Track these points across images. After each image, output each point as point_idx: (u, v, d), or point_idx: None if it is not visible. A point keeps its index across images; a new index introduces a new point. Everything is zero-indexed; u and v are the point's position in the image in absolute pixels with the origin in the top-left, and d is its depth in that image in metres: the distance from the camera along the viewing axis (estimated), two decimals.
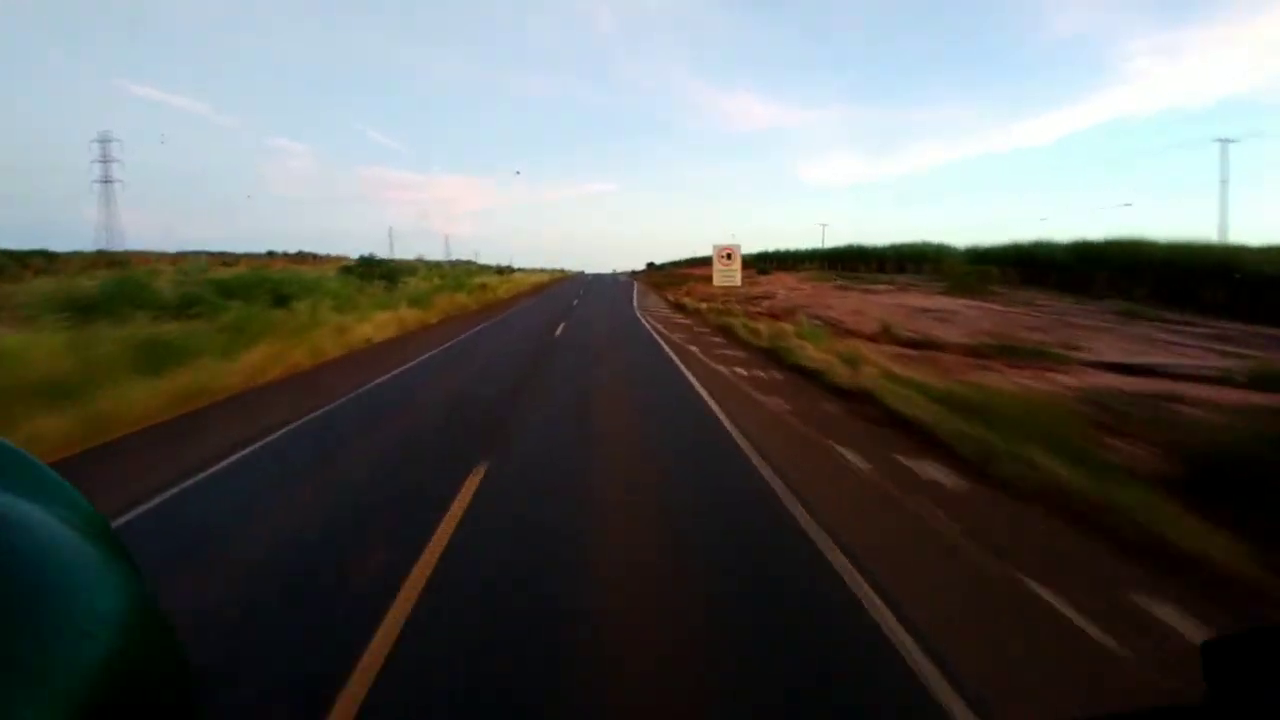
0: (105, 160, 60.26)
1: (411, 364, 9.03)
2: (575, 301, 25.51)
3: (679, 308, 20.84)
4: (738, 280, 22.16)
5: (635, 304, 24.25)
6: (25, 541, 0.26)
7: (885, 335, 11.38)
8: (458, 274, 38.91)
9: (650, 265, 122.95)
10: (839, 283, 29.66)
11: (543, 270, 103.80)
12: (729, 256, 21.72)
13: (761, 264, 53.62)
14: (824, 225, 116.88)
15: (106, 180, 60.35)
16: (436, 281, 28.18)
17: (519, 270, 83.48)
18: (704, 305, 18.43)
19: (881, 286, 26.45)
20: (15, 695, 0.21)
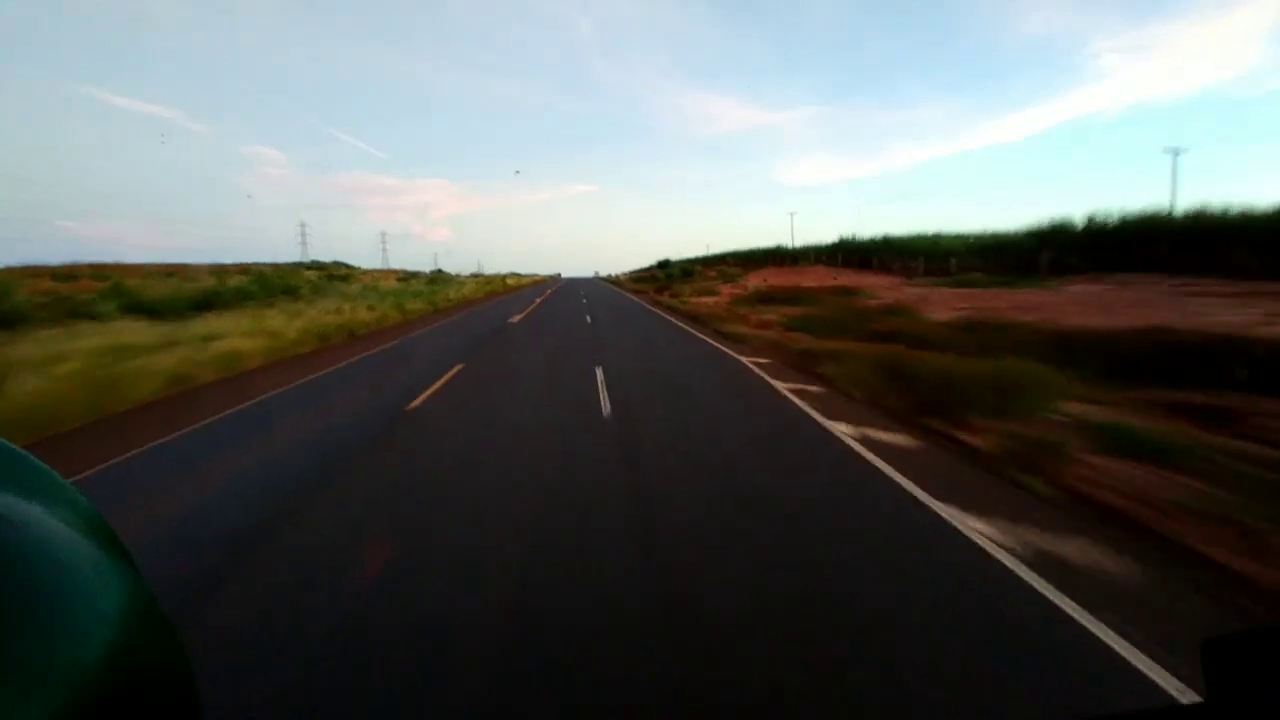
0: None
1: None
2: None
3: None
4: None
5: None
6: (25, 541, 0.26)
7: None
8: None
9: (663, 264, 78.10)
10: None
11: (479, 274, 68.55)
12: None
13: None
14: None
15: None
16: None
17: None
18: None
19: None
20: (15, 695, 0.21)
